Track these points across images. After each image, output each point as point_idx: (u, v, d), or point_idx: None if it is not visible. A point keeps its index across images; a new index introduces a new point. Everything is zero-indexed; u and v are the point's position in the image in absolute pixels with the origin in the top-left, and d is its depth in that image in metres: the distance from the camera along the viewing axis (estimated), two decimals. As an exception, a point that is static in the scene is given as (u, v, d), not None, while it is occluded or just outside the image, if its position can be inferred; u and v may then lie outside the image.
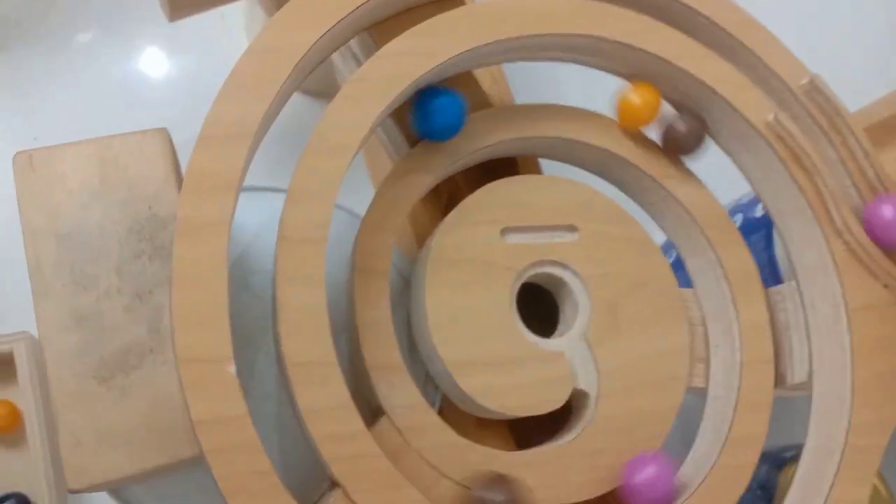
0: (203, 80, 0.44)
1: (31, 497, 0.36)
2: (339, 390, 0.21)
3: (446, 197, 0.31)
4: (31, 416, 0.36)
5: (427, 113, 0.25)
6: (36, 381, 0.37)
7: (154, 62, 0.46)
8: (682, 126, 0.27)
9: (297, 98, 0.43)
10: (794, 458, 0.39)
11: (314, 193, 0.22)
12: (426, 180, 0.26)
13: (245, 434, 0.18)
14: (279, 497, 0.18)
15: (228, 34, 0.46)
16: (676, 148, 0.28)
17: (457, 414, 0.26)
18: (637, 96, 0.27)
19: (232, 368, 0.18)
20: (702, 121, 0.28)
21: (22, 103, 0.44)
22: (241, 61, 0.21)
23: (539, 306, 0.27)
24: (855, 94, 0.31)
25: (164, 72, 0.46)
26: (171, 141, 0.23)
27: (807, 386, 0.27)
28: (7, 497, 0.36)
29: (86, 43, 0.46)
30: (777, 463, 0.39)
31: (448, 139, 0.26)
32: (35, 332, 0.38)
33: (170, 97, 0.45)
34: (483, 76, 0.30)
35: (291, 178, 0.22)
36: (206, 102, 0.20)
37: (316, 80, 0.42)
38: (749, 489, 0.27)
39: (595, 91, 0.29)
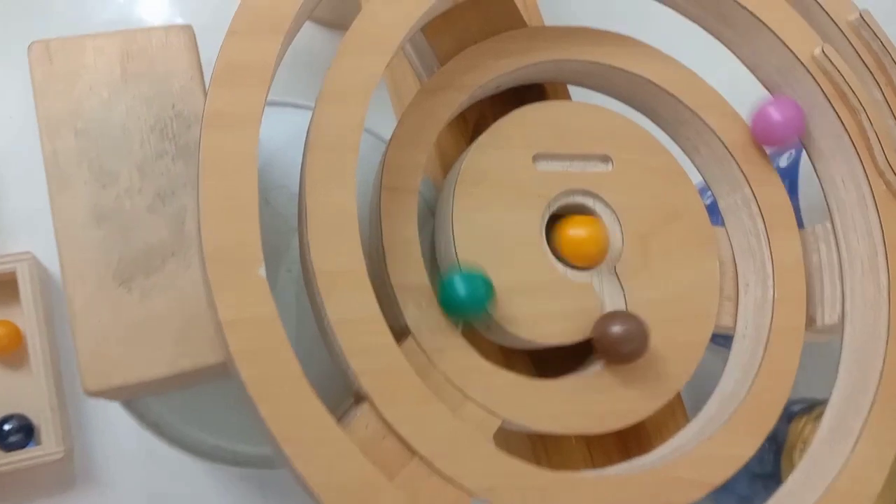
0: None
1: (33, 418, 0.35)
2: (369, 301, 0.20)
3: (472, 125, 0.30)
4: (34, 338, 0.36)
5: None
6: (39, 303, 0.36)
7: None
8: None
9: (309, 27, 0.42)
10: (805, 411, 0.39)
11: (348, 95, 0.20)
12: (458, 98, 0.25)
13: (275, 336, 0.17)
14: (310, 402, 0.18)
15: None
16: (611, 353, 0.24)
17: (481, 344, 0.25)
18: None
19: (262, 270, 0.18)
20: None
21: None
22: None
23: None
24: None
25: None
26: (195, 38, 0.21)
27: (835, 329, 0.27)
28: (8, 418, 0.35)
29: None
30: (787, 416, 0.39)
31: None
32: (38, 254, 0.37)
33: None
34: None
35: (325, 79, 0.21)
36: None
37: (329, 8, 0.41)
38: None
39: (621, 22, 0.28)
